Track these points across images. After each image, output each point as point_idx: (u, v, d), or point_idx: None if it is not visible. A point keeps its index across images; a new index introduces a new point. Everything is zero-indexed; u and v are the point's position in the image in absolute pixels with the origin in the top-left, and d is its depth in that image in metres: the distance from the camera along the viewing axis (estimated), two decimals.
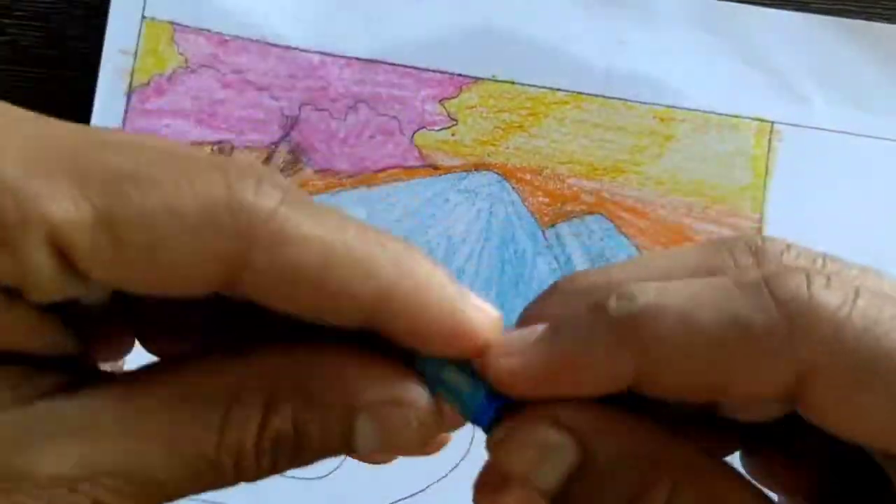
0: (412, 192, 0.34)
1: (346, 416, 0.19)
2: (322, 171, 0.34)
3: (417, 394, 0.19)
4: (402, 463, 0.33)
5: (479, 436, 0.33)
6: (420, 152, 0.34)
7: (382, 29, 0.35)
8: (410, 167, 0.34)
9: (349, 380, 0.19)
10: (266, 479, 0.19)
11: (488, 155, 0.34)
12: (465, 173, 0.34)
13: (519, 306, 0.33)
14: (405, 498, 0.33)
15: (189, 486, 0.18)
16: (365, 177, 0.34)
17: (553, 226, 0.34)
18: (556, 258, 0.34)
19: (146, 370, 0.19)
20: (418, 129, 0.35)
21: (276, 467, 0.19)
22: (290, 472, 0.33)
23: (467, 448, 0.33)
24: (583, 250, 0.34)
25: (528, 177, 0.34)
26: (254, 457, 0.18)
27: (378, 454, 0.20)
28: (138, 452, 0.18)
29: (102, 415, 0.17)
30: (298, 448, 0.19)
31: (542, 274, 0.34)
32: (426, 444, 0.20)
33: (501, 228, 0.34)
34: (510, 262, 0.34)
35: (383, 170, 0.34)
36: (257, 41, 0.34)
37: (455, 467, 0.33)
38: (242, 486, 0.31)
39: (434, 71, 0.35)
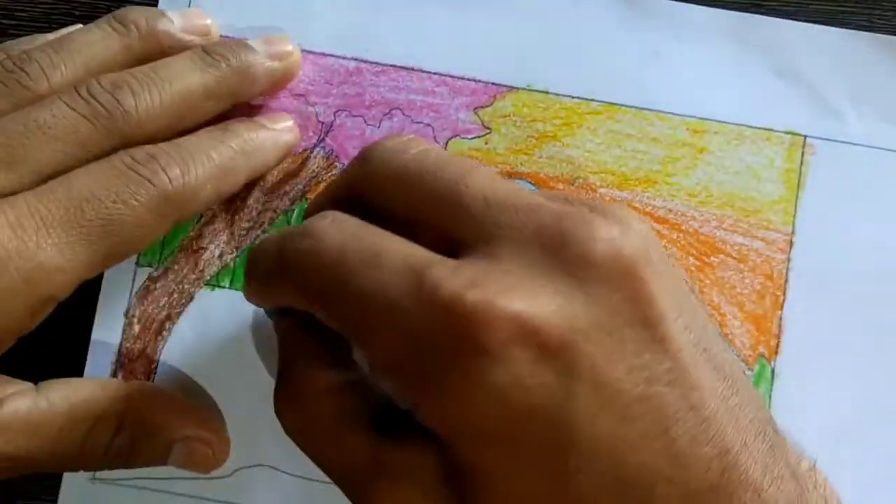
0: None
1: (166, 443, 0.30)
2: None
3: (218, 435, 0.32)
4: None
5: None
6: None
7: (418, 37, 0.35)
8: None
9: (174, 418, 0.30)
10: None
11: (521, 164, 0.35)
12: None
13: None
14: None
15: (51, 467, 0.29)
16: None
17: None
18: None
19: (54, 385, 0.29)
20: (452, 137, 0.35)
21: (111, 466, 0.30)
22: (317, 476, 0.34)
23: None
24: None
25: (560, 186, 0.34)
26: (100, 457, 0.29)
27: (186, 469, 0.31)
28: (38, 447, 0.28)
29: (28, 419, 0.28)
30: (130, 457, 0.30)
31: None
32: (217, 466, 0.32)
33: None
34: None
35: None
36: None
37: None
38: (256, 485, 0.32)
39: (468, 79, 0.35)
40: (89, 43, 0.31)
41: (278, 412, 0.27)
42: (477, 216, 0.23)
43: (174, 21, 0.33)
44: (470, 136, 0.35)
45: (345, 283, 0.23)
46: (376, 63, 0.35)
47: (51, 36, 0.33)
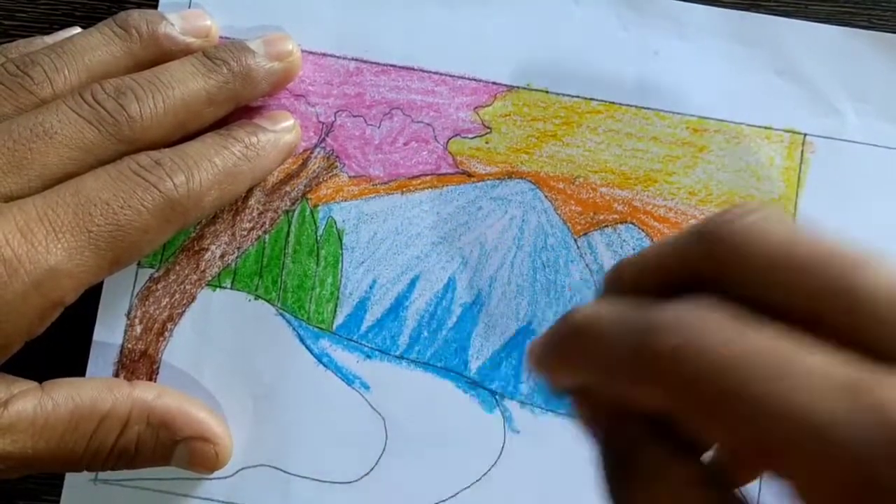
0: (445, 199, 0.34)
1: (171, 443, 0.31)
2: (356, 178, 0.34)
3: (220, 434, 0.31)
4: (431, 469, 0.33)
5: (509, 443, 0.34)
6: (454, 159, 0.35)
7: (417, 36, 0.35)
8: (444, 174, 0.35)
9: (179, 419, 0.31)
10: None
11: (521, 163, 0.35)
12: (498, 181, 0.35)
13: (551, 314, 0.34)
14: None
15: (55, 467, 0.30)
16: (399, 183, 0.34)
17: (585, 234, 0.34)
18: (588, 266, 0.34)
19: (59, 385, 0.30)
20: (452, 137, 0.35)
21: (115, 467, 0.30)
22: (319, 476, 0.34)
23: (497, 454, 0.33)
24: (615, 259, 0.34)
25: (560, 185, 0.34)
26: (105, 457, 0.29)
27: (190, 469, 0.31)
28: (43, 447, 0.28)
29: (34, 419, 0.28)
30: (135, 458, 0.30)
31: (575, 282, 0.34)
32: (220, 467, 0.32)
33: (534, 236, 0.34)
34: (542, 270, 0.34)
35: (417, 177, 0.35)
36: None
37: (485, 474, 0.33)
38: (257, 485, 0.32)
39: (468, 79, 0.35)
40: (92, 47, 0.31)
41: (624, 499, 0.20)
42: None
43: (175, 24, 0.33)
44: (470, 136, 0.35)
45: (742, 395, 0.18)
46: (376, 63, 0.35)
47: (49, 39, 0.33)
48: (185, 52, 0.33)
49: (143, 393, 0.31)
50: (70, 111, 0.29)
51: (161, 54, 0.32)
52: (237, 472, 0.33)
